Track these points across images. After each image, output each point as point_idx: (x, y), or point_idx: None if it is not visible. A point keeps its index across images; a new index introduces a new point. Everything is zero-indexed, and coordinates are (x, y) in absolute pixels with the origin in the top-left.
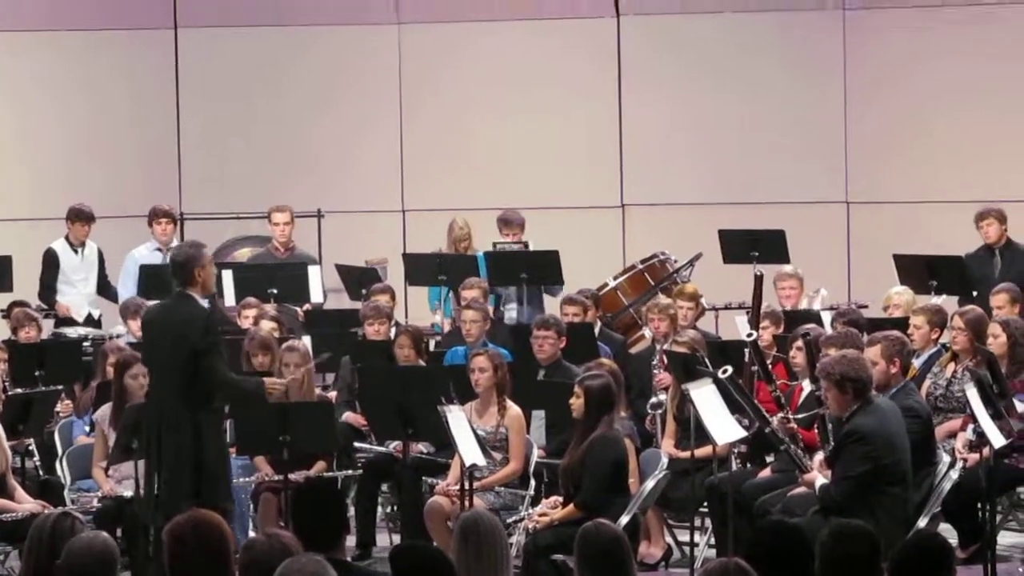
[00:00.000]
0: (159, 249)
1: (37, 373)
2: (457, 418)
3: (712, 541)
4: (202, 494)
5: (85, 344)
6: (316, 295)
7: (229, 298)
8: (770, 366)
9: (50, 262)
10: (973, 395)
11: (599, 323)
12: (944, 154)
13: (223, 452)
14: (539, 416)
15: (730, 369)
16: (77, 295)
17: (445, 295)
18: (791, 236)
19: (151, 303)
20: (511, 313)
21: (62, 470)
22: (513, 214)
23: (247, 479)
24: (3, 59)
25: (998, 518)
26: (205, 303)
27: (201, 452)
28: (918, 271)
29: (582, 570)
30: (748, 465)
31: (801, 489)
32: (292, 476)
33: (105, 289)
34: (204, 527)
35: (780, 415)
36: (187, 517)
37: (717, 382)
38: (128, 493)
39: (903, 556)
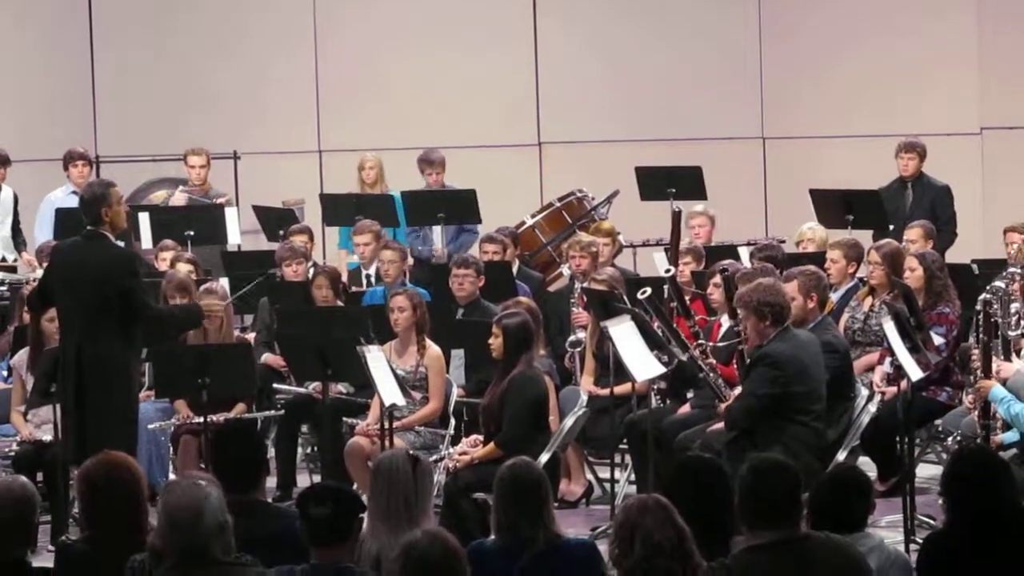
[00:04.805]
0: (75, 192)
1: None
2: (376, 358)
3: (632, 478)
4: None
5: (1, 288)
6: (233, 236)
7: (146, 240)
8: (688, 302)
9: None
10: (890, 328)
11: (517, 262)
12: (858, 88)
13: (138, 393)
14: (458, 355)
15: (649, 290)
16: None
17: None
18: (708, 172)
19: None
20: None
21: None
22: (434, 153)
23: (166, 422)
24: None
25: (916, 451)
26: (120, 242)
27: (125, 391)
28: (834, 206)
29: (502, 507)
30: (667, 402)
31: (720, 424)
32: (212, 418)
33: (16, 234)
34: (116, 469)
35: (699, 347)
36: (98, 460)
37: (636, 318)
38: (47, 437)
39: (822, 489)
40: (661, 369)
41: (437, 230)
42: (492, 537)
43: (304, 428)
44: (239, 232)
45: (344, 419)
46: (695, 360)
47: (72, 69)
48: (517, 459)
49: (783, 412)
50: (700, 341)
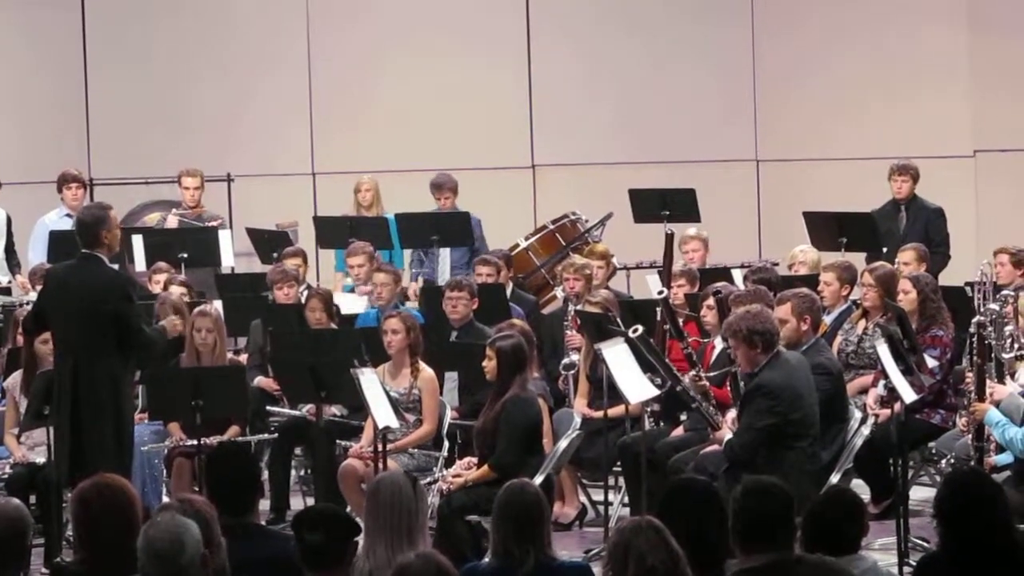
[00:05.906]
0: (69, 215)
1: None
2: (369, 380)
3: (626, 500)
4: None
5: None
6: (227, 259)
7: (139, 263)
8: (681, 324)
9: None
10: (884, 351)
11: (511, 284)
12: (852, 111)
13: (132, 416)
14: (452, 377)
15: (640, 328)
16: None
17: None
18: (701, 195)
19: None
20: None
21: None
22: (444, 177)
23: (160, 444)
24: None
25: (910, 473)
26: (115, 265)
27: (119, 413)
28: (828, 228)
29: (499, 528)
30: (661, 424)
31: (713, 447)
32: (205, 441)
33: (10, 256)
34: (111, 492)
35: (692, 373)
36: (93, 482)
37: (629, 341)
38: (40, 459)
39: (816, 511)
40: (655, 391)
41: (444, 253)
42: (487, 559)
43: (298, 451)
44: (232, 254)
45: (338, 441)
46: (687, 391)
47: (66, 92)
48: (516, 480)
49: (780, 440)
50: (694, 372)
